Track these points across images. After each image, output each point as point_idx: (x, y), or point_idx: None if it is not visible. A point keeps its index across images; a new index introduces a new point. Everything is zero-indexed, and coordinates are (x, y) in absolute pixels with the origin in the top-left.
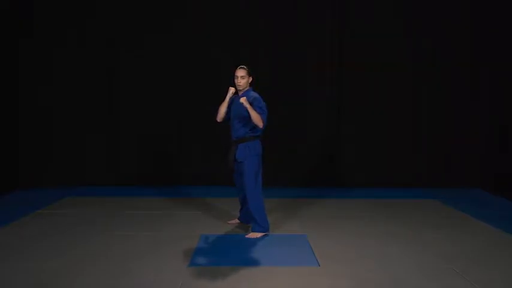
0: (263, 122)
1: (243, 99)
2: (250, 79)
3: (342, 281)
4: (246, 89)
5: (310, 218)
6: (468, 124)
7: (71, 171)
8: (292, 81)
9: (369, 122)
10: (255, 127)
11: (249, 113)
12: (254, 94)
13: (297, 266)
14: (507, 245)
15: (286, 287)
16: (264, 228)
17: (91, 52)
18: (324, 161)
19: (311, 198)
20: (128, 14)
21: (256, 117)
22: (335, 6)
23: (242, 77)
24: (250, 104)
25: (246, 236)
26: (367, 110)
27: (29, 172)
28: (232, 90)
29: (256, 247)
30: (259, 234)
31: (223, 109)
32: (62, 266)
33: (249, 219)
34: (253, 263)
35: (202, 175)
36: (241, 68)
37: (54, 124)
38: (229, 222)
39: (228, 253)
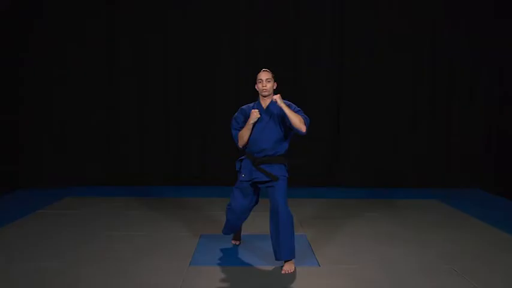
0: (305, 125)
1: (276, 97)
2: (275, 85)
3: (342, 281)
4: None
5: (310, 218)
6: (468, 124)
7: (71, 171)
8: (292, 81)
9: (369, 122)
10: (283, 142)
11: (282, 121)
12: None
13: (297, 266)
14: (507, 245)
15: (287, 287)
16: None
17: (91, 52)
18: (323, 161)
19: (311, 198)
20: (128, 14)
21: (296, 118)
22: (335, 6)
23: (268, 80)
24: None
25: (283, 272)
26: (367, 110)
27: (29, 172)
28: (256, 113)
29: (256, 247)
30: (293, 265)
31: (246, 134)
32: (62, 266)
33: (277, 246)
34: (253, 263)
35: (202, 175)
36: (265, 70)
37: (54, 124)
38: (234, 242)
39: (228, 253)
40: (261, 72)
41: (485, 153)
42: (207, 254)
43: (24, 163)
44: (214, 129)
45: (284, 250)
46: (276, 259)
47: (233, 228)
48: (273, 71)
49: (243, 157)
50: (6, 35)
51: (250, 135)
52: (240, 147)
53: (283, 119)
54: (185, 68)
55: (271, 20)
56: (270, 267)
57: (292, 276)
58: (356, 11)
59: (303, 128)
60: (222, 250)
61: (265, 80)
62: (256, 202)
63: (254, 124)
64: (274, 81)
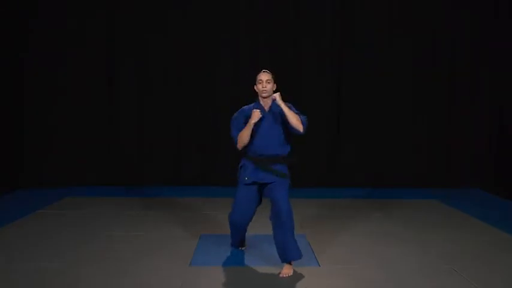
0: (303, 125)
1: (276, 95)
2: (275, 86)
3: (342, 281)
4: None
5: (310, 218)
6: (468, 124)
7: (71, 171)
8: (292, 81)
9: (369, 122)
10: (286, 144)
11: (285, 122)
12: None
13: (297, 266)
14: (507, 245)
15: (286, 287)
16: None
17: (91, 52)
18: (323, 161)
19: (311, 198)
20: (128, 14)
21: (294, 118)
22: (335, 6)
23: (268, 81)
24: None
25: (282, 275)
26: (367, 110)
27: (29, 172)
28: (258, 113)
29: (256, 247)
30: (291, 269)
31: (247, 134)
32: (62, 266)
33: (283, 247)
34: (253, 263)
35: (202, 175)
36: (265, 71)
37: (54, 124)
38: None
39: (228, 253)
40: (261, 73)
41: (485, 153)
42: (207, 254)
43: (24, 163)
44: (214, 129)
45: (290, 250)
46: (282, 261)
47: (240, 235)
48: (272, 71)
49: (241, 163)
50: (6, 35)
51: (251, 136)
52: (239, 148)
53: (285, 120)
54: (185, 68)
55: (271, 20)
56: (270, 268)
57: (292, 276)
58: (356, 11)
59: (300, 128)
60: (222, 250)
61: (265, 81)
62: (260, 202)
63: (255, 125)
64: (274, 82)
